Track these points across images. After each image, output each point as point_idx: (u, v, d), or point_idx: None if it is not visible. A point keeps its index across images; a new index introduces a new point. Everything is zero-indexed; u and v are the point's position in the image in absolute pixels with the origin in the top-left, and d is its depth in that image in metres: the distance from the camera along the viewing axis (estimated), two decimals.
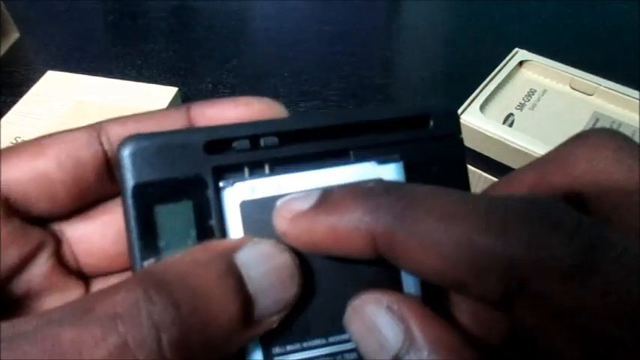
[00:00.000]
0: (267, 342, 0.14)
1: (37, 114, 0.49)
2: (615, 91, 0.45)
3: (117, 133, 0.15)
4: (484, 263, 0.12)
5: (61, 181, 0.15)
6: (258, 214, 0.14)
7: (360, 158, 0.15)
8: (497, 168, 0.43)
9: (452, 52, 0.65)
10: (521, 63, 0.48)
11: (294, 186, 0.14)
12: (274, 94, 0.56)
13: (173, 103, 0.51)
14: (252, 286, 0.13)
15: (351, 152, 0.15)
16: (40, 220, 0.15)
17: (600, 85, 0.46)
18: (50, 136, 0.15)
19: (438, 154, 0.16)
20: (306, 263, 0.14)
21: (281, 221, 0.14)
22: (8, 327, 0.11)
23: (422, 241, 0.13)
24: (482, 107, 0.43)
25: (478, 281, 0.12)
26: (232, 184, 0.14)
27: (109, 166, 0.15)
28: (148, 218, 0.14)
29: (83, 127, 0.16)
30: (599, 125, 0.44)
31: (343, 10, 0.70)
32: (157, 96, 0.51)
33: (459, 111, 0.43)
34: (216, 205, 0.14)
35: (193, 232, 0.14)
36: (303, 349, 0.14)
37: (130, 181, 0.14)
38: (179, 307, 0.12)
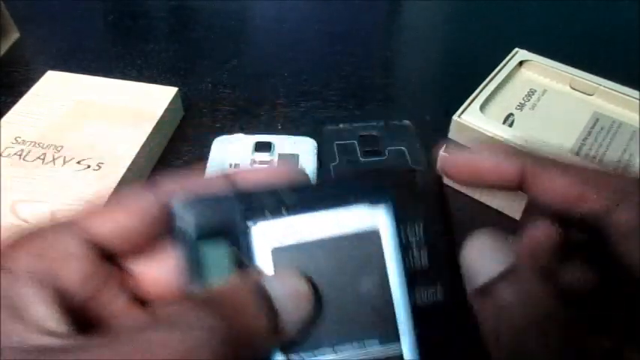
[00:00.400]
0: (287, 350, 0.18)
1: (37, 114, 0.49)
2: (615, 91, 0.45)
3: (172, 189, 0.20)
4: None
5: (135, 230, 0.19)
6: (283, 251, 0.18)
7: (357, 202, 0.19)
8: None
9: (452, 52, 0.65)
10: (521, 63, 0.48)
11: (307, 224, 0.19)
12: (274, 94, 0.57)
13: (173, 103, 0.51)
14: (278, 304, 0.17)
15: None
16: (115, 258, 0.20)
17: (600, 85, 0.46)
18: (126, 194, 0.20)
19: (422, 199, 0.20)
20: (318, 290, 0.18)
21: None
22: (101, 336, 0.15)
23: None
24: (482, 107, 0.43)
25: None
26: (256, 224, 0.18)
27: (166, 216, 0.19)
28: (195, 255, 0.18)
29: (146, 189, 0.20)
30: (599, 125, 0.44)
31: (343, 10, 0.70)
32: (157, 96, 0.51)
33: (459, 111, 0.43)
34: (246, 240, 0.18)
35: (231, 263, 0.18)
36: (315, 356, 0.18)
37: (179, 225, 0.18)
38: (222, 318, 0.16)
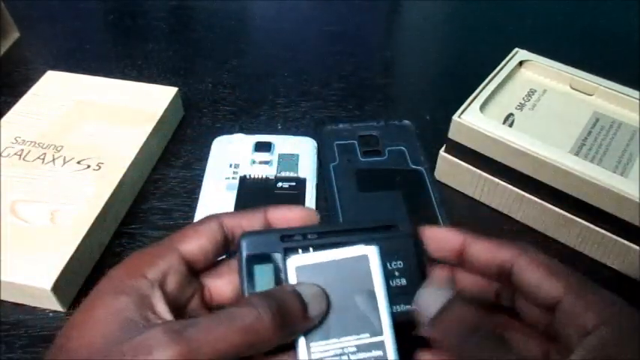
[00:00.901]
0: (308, 339, 0.26)
1: (37, 114, 0.49)
2: (615, 91, 0.45)
3: (230, 223, 0.28)
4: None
5: (210, 249, 0.27)
6: (306, 272, 0.26)
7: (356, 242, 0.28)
8: (498, 168, 0.43)
9: (452, 52, 0.65)
10: (521, 63, 0.48)
11: (323, 256, 0.27)
12: (274, 94, 0.57)
13: (173, 103, 0.51)
14: (306, 300, 0.25)
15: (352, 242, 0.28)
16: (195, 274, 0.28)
17: (600, 85, 0.46)
18: (201, 223, 0.28)
19: (402, 246, 0.29)
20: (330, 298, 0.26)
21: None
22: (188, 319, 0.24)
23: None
24: (482, 107, 0.43)
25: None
26: (291, 257, 0.27)
27: (226, 240, 0.28)
28: (251, 273, 0.27)
29: (213, 220, 0.28)
30: (599, 125, 0.44)
31: (343, 10, 0.70)
32: (157, 96, 0.51)
33: (459, 111, 0.43)
34: (284, 266, 0.27)
35: (273, 279, 0.27)
36: (327, 344, 0.26)
37: (243, 254, 0.27)
38: (273, 307, 0.24)
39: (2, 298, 0.39)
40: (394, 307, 0.27)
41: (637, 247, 0.40)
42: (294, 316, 0.24)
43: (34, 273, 0.37)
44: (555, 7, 0.70)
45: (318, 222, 0.30)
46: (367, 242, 0.27)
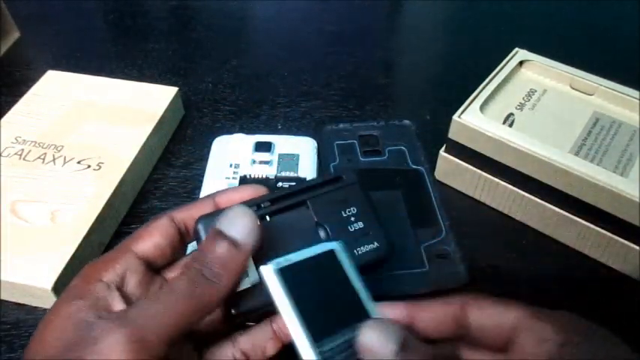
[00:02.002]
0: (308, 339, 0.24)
1: (38, 114, 0.49)
2: (615, 91, 0.45)
3: (180, 216, 0.29)
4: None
5: (165, 246, 0.28)
6: (282, 274, 0.25)
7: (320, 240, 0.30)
8: (498, 168, 0.43)
9: (452, 52, 0.65)
10: (521, 63, 0.48)
11: (294, 257, 0.26)
12: (275, 94, 0.57)
13: (173, 103, 0.51)
14: (231, 233, 0.26)
15: (308, 202, 0.30)
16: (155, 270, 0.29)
17: (600, 85, 0.46)
18: (152, 222, 0.28)
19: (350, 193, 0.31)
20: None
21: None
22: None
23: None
24: (482, 107, 0.43)
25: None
26: (265, 264, 0.25)
27: (180, 233, 0.29)
28: None
29: (162, 217, 0.28)
30: (599, 125, 0.44)
31: (343, 10, 0.70)
32: (158, 96, 0.51)
33: (459, 111, 0.43)
34: (259, 275, 0.26)
35: None
36: (330, 341, 0.25)
37: (202, 235, 0.28)
38: (202, 261, 0.25)
39: (3, 298, 0.39)
40: (359, 249, 0.29)
41: (637, 247, 0.40)
42: (227, 258, 0.25)
43: (34, 273, 0.37)
44: (555, 7, 0.70)
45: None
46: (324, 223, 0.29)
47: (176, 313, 0.23)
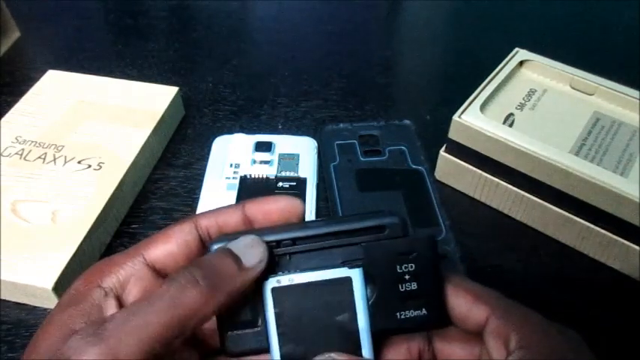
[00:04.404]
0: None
1: (38, 113, 0.49)
2: (615, 91, 0.45)
3: (205, 223, 0.27)
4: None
5: (179, 254, 0.26)
6: (283, 294, 0.25)
7: (339, 265, 0.25)
8: (498, 168, 0.43)
9: (452, 52, 0.65)
10: (521, 63, 0.48)
11: (300, 278, 0.25)
12: (275, 94, 0.57)
13: (174, 103, 0.51)
14: (238, 252, 0.24)
15: (334, 249, 0.26)
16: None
17: (600, 85, 0.46)
18: (173, 227, 0.26)
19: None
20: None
21: None
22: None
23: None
24: (482, 107, 0.43)
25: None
26: (268, 279, 0.25)
27: (201, 242, 0.27)
28: None
29: (186, 222, 0.27)
30: (599, 125, 0.44)
31: (343, 10, 0.70)
32: (158, 95, 0.51)
33: (459, 111, 0.43)
34: (261, 288, 0.25)
35: None
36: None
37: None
38: (197, 273, 0.23)
39: (3, 298, 0.39)
40: (403, 313, 0.25)
41: (637, 247, 0.40)
42: (228, 273, 0.23)
43: (35, 272, 0.37)
44: (555, 7, 0.70)
45: (303, 212, 0.27)
46: (349, 266, 0.25)
47: (158, 325, 0.22)
